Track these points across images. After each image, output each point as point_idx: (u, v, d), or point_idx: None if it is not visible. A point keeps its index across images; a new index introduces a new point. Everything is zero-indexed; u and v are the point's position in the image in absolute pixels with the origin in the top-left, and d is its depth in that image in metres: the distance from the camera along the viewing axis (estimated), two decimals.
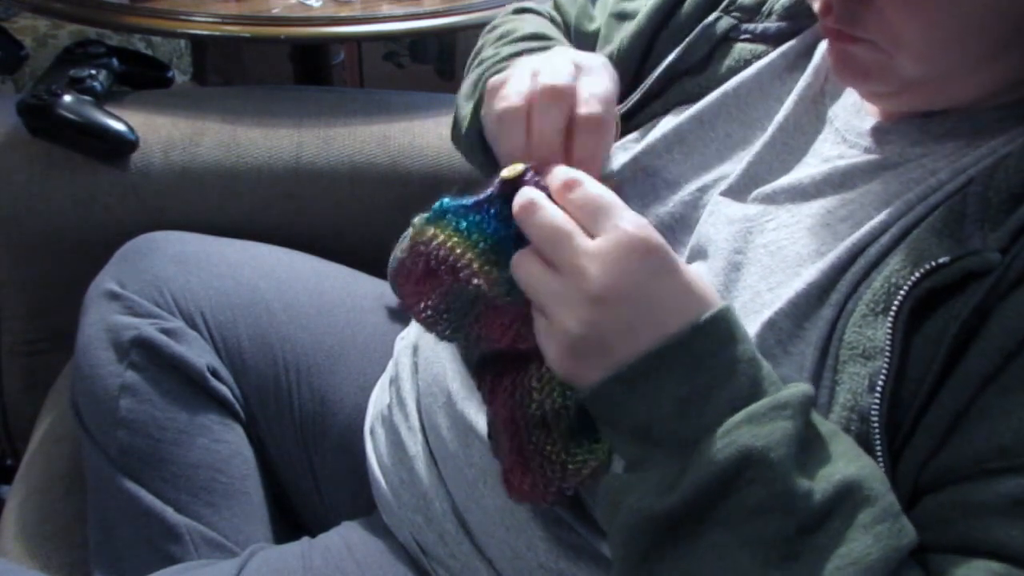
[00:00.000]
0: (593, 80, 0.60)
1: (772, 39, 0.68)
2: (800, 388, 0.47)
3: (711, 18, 0.70)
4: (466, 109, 0.74)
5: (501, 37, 0.79)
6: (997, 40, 0.50)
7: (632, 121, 0.71)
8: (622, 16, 0.77)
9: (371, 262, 0.93)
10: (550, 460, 0.55)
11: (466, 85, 0.76)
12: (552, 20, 0.84)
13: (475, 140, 0.72)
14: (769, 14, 0.69)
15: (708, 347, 0.47)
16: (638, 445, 0.48)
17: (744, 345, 0.47)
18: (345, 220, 1.04)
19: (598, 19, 0.80)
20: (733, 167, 0.62)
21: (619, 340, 0.47)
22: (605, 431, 0.50)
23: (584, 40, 0.80)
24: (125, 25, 1.08)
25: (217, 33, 1.07)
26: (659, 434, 0.47)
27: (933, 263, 0.47)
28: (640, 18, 0.72)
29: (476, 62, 0.78)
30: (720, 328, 0.47)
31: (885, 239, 0.52)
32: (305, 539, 0.72)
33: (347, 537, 0.71)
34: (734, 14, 0.70)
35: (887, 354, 0.47)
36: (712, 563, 0.44)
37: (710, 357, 0.46)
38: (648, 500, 0.45)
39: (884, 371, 0.47)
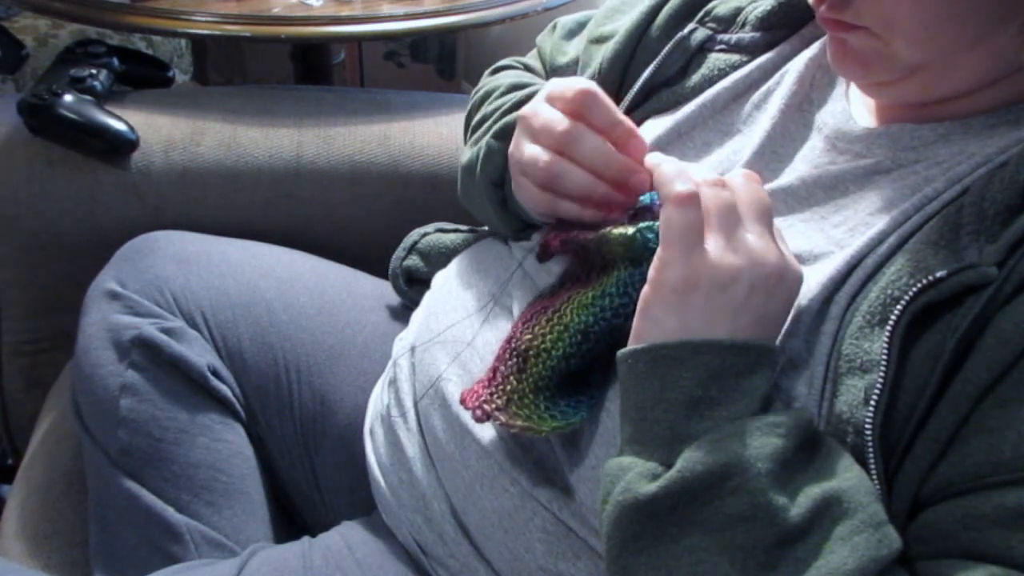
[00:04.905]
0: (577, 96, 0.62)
1: (747, 49, 0.69)
2: (797, 412, 0.48)
3: (686, 30, 0.70)
4: (473, 156, 0.75)
5: (485, 98, 0.81)
6: (988, 14, 0.50)
7: None
8: (599, 40, 0.78)
9: (371, 262, 0.93)
10: (503, 389, 0.58)
11: (467, 149, 0.78)
12: (528, 68, 0.88)
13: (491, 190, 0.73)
14: (744, 24, 0.69)
15: (740, 368, 0.48)
16: (637, 422, 0.49)
17: (767, 386, 0.49)
18: (345, 220, 1.04)
19: (572, 52, 0.83)
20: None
21: (714, 310, 0.48)
22: (622, 394, 0.51)
23: (560, 72, 0.83)
24: (125, 25, 1.08)
25: (217, 32, 1.07)
26: (659, 417, 0.48)
27: (930, 277, 0.47)
28: (619, 37, 0.74)
29: (472, 127, 0.80)
30: (765, 360, 0.49)
31: (882, 249, 0.52)
32: (305, 539, 0.72)
33: (347, 537, 0.71)
34: (709, 25, 0.70)
35: (883, 368, 0.47)
36: (689, 566, 0.45)
37: (734, 377, 0.48)
38: (633, 487, 0.47)
39: (879, 384, 0.47)
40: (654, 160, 0.54)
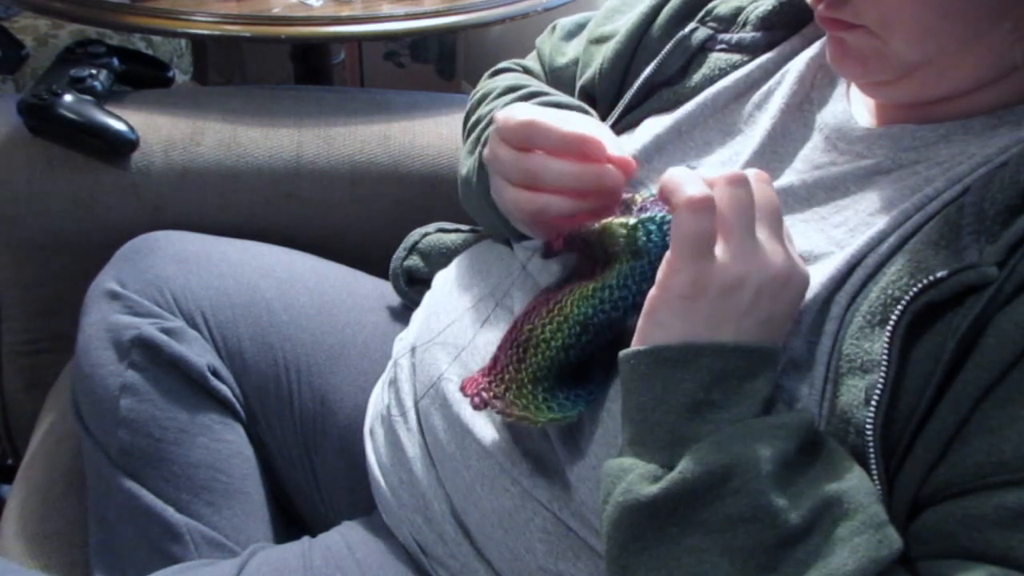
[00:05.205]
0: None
1: (748, 49, 0.69)
2: (798, 413, 0.48)
3: (687, 29, 0.70)
4: (470, 169, 0.75)
5: (482, 100, 0.82)
6: (985, 12, 0.50)
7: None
8: (600, 40, 0.78)
9: (371, 262, 0.93)
10: (502, 377, 0.59)
11: (465, 156, 0.78)
12: (527, 70, 0.88)
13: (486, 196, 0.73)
14: (744, 24, 0.69)
15: (743, 371, 0.48)
16: (638, 424, 0.49)
17: (769, 388, 0.48)
18: (345, 220, 1.04)
19: (571, 53, 0.83)
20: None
21: (721, 314, 0.48)
22: (623, 395, 0.51)
23: (559, 73, 0.84)
24: (125, 25, 1.08)
25: (217, 33, 1.07)
26: (661, 419, 0.48)
27: (931, 277, 0.47)
28: (620, 37, 0.74)
29: (467, 130, 0.81)
30: (768, 362, 0.48)
31: (883, 249, 0.52)
32: (305, 539, 0.72)
33: (347, 537, 0.71)
34: (710, 24, 0.70)
35: (883, 368, 0.47)
36: (689, 567, 0.45)
37: (736, 380, 0.48)
38: (634, 488, 0.46)
39: (880, 385, 0.47)
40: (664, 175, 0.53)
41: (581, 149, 0.60)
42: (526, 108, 0.63)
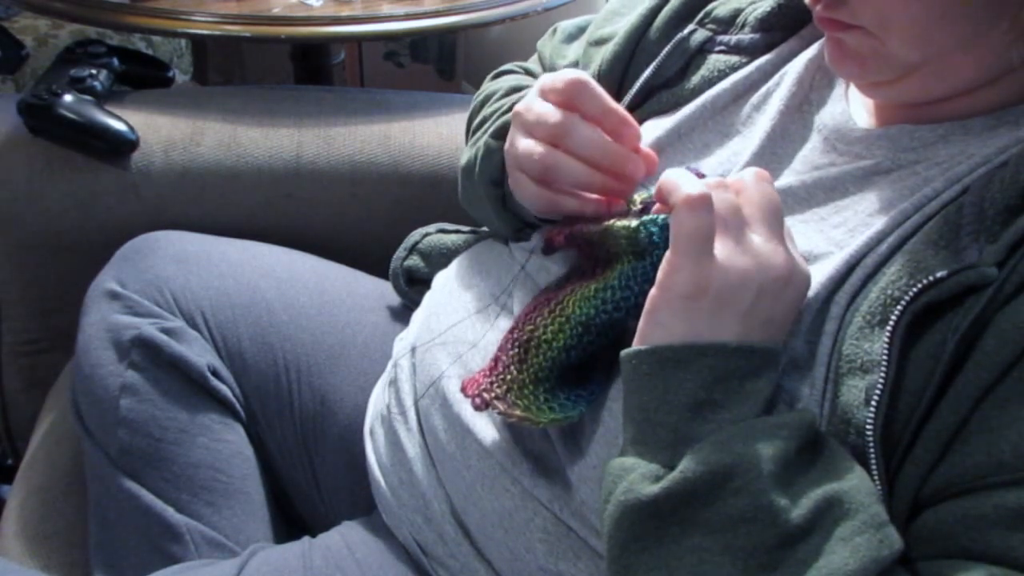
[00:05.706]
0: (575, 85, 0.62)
1: (747, 51, 0.68)
2: (799, 413, 0.48)
3: (685, 31, 0.70)
4: (471, 157, 0.75)
5: (485, 101, 0.82)
6: (982, 12, 0.50)
7: None
8: (599, 42, 0.78)
9: (371, 262, 0.93)
10: (504, 378, 0.59)
11: (466, 151, 0.78)
12: (528, 72, 0.88)
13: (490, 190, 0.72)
14: (743, 25, 0.69)
15: (745, 372, 0.48)
16: (640, 424, 0.49)
17: (770, 388, 0.48)
18: (345, 220, 1.04)
19: (571, 55, 0.83)
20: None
21: (722, 314, 0.48)
22: (625, 395, 0.51)
23: None
24: (125, 25, 1.08)
25: (217, 33, 1.07)
26: (662, 419, 0.48)
27: (930, 278, 0.47)
28: (618, 39, 0.74)
29: (472, 129, 0.81)
30: (770, 362, 0.49)
31: (882, 249, 0.52)
32: (305, 539, 0.72)
33: (347, 537, 0.71)
34: (709, 26, 0.70)
35: (883, 368, 0.47)
36: (691, 566, 0.45)
37: (738, 380, 0.48)
38: (635, 487, 0.47)
39: (880, 385, 0.47)
40: (661, 177, 0.53)
41: (618, 128, 0.60)
42: (577, 70, 0.63)
